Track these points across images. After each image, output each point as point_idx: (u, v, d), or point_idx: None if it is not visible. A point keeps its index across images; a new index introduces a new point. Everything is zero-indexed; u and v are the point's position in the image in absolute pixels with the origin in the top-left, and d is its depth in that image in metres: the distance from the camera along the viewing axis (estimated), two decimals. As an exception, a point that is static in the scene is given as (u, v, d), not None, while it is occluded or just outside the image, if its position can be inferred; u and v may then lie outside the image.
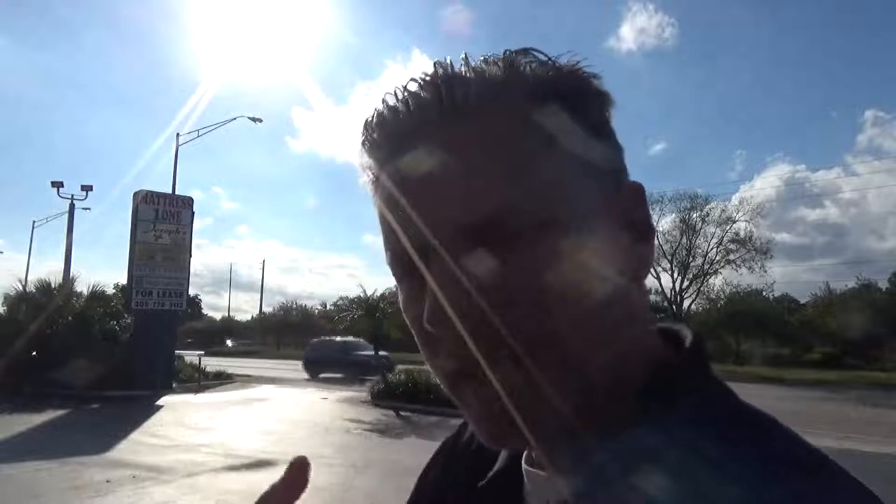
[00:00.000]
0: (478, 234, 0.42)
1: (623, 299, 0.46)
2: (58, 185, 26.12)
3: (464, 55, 0.47)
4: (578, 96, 0.47)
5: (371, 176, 0.49)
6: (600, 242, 0.44)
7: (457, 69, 0.46)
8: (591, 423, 0.43)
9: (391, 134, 0.47)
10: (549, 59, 0.47)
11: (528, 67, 0.46)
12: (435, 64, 0.47)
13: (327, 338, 26.74)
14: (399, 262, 0.47)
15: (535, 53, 0.47)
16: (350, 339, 24.20)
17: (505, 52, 0.47)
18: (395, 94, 0.47)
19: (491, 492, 0.54)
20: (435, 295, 0.42)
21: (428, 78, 0.46)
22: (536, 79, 0.46)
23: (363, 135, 0.49)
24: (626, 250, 0.46)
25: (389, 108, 0.47)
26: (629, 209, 0.47)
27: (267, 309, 70.98)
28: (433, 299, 0.43)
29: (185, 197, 18.87)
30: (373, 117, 0.48)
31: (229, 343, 52.65)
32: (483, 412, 0.44)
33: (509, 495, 0.53)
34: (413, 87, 0.46)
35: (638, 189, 0.49)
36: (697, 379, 0.46)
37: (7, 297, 18.17)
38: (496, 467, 0.56)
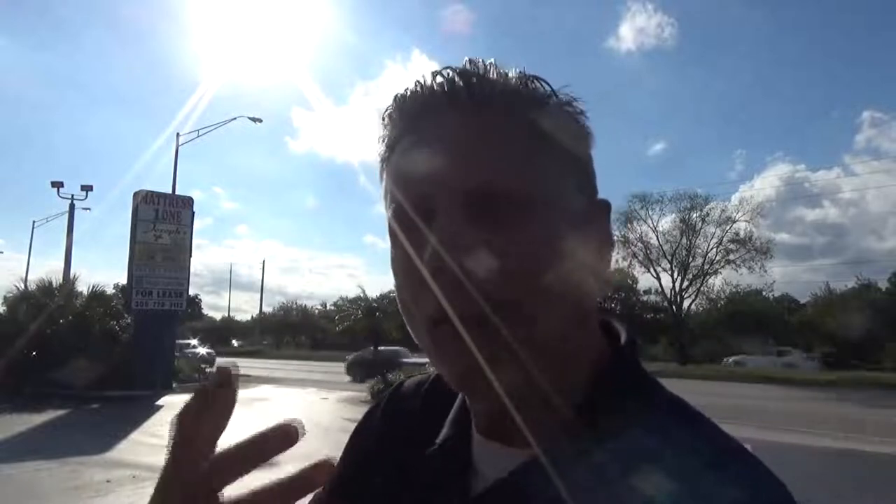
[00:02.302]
0: (480, 200, 0.48)
1: (593, 293, 0.53)
2: (58, 185, 26.07)
3: (492, 60, 0.54)
4: (569, 122, 0.54)
5: (390, 141, 0.55)
6: (582, 236, 0.51)
7: (483, 69, 0.53)
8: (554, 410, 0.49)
9: (421, 106, 0.53)
10: (553, 89, 0.54)
11: (535, 86, 0.53)
12: (468, 60, 0.53)
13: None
14: (406, 213, 0.51)
15: (542, 81, 0.54)
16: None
17: (519, 71, 0.54)
18: (429, 77, 0.53)
19: (439, 458, 0.57)
20: (439, 242, 0.47)
21: (460, 69, 0.53)
22: (541, 96, 0.53)
23: (392, 105, 0.55)
24: (597, 252, 0.54)
25: (423, 86, 0.53)
26: (600, 219, 0.55)
27: (267, 309, 71.10)
28: (436, 248, 0.47)
29: (185, 197, 18.88)
30: (405, 91, 0.54)
31: (235, 343, 52.27)
32: (458, 362, 0.49)
33: (457, 462, 0.56)
34: (448, 73, 0.53)
35: (608, 204, 0.57)
36: (635, 374, 0.55)
37: (7, 297, 18.18)
38: (444, 435, 0.59)
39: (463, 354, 0.47)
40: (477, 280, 0.46)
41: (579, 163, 0.54)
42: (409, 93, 0.54)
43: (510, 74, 0.53)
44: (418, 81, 0.54)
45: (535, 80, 0.53)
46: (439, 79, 0.52)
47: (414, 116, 0.53)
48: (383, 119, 0.56)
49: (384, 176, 0.55)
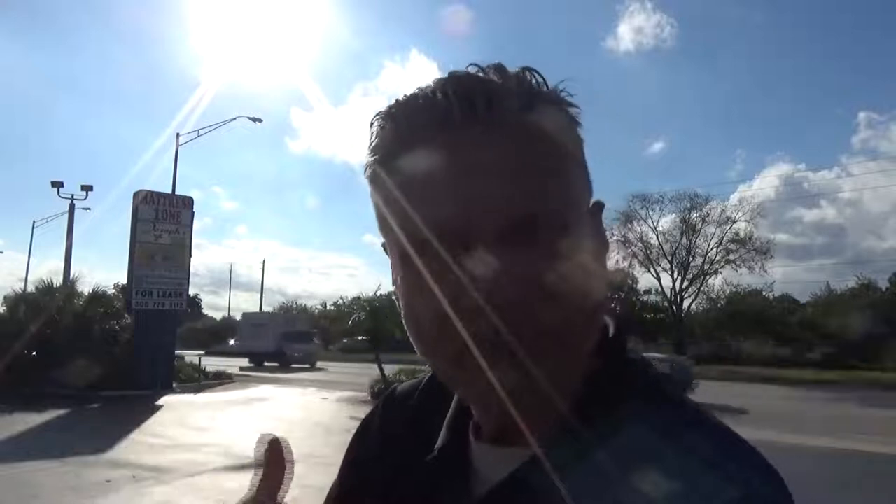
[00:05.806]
0: (512, 228, 0.46)
1: (603, 297, 0.53)
2: (58, 185, 26.00)
3: (500, 64, 0.50)
4: (573, 123, 0.53)
5: (390, 154, 0.50)
6: (593, 247, 0.52)
7: (496, 78, 0.49)
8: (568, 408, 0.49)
9: (430, 117, 0.48)
10: (551, 89, 0.51)
11: (545, 85, 0.51)
12: (478, 68, 0.50)
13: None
14: (419, 241, 0.48)
15: (538, 74, 0.51)
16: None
17: (524, 69, 0.50)
18: (439, 85, 0.49)
19: (438, 464, 0.57)
20: (469, 279, 0.45)
21: (473, 79, 0.49)
22: (557, 98, 0.51)
23: (391, 113, 0.51)
24: (600, 256, 0.53)
25: (434, 94, 0.49)
26: (599, 222, 0.55)
27: (267, 309, 71.02)
28: (463, 284, 0.46)
29: (185, 197, 18.88)
30: (408, 98, 0.50)
31: (232, 342, 51.09)
32: (482, 391, 0.48)
33: (456, 467, 0.56)
34: (460, 87, 0.48)
35: (601, 205, 0.56)
36: (623, 368, 0.54)
37: (7, 298, 18.17)
38: (442, 440, 0.59)
39: (485, 381, 0.47)
40: (512, 308, 0.45)
41: (585, 168, 0.54)
42: (415, 100, 0.49)
43: (522, 79, 0.50)
44: (428, 88, 0.49)
45: (539, 74, 0.51)
46: (452, 89, 0.48)
47: (422, 128, 0.48)
48: (377, 123, 0.52)
49: (379, 183, 0.51)
